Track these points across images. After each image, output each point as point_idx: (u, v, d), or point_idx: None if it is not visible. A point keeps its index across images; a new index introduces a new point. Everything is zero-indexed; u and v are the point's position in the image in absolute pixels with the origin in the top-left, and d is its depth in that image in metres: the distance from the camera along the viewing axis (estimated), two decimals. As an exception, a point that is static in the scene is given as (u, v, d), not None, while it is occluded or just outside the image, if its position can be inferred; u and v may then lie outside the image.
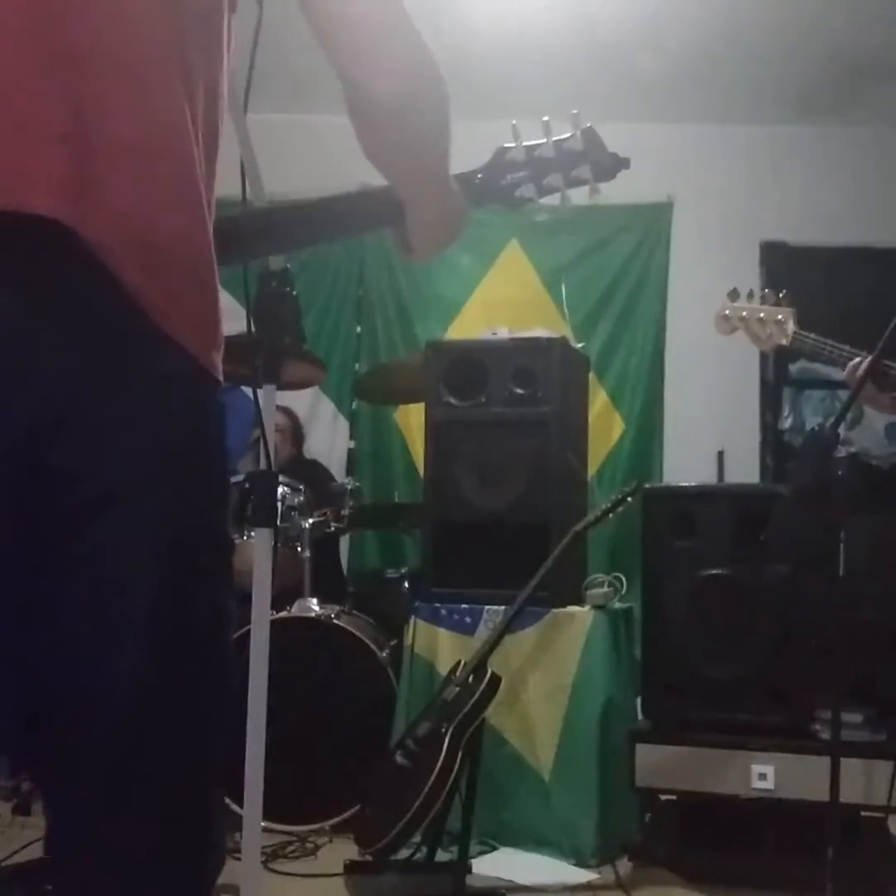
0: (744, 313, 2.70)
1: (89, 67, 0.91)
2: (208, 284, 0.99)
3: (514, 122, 1.36)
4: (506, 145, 1.36)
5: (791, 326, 2.65)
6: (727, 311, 2.72)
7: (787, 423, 5.34)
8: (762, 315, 2.68)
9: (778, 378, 5.35)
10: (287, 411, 4.64)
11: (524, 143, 1.36)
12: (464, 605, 3.40)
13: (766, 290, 2.72)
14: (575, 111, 1.35)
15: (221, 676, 1.00)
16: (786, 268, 5.30)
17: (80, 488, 0.90)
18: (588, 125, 1.36)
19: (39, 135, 0.89)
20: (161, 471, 0.93)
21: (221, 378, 1.01)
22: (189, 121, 0.97)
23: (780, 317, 2.66)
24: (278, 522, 3.58)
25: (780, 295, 2.69)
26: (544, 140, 1.35)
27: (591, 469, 4.13)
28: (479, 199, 1.37)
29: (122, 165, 0.92)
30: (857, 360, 2.52)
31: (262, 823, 1.39)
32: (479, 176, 1.36)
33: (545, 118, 1.35)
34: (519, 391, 3.47)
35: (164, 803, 0.96)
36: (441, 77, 1.12)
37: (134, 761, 0.93)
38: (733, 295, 2.73)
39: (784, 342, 2.66)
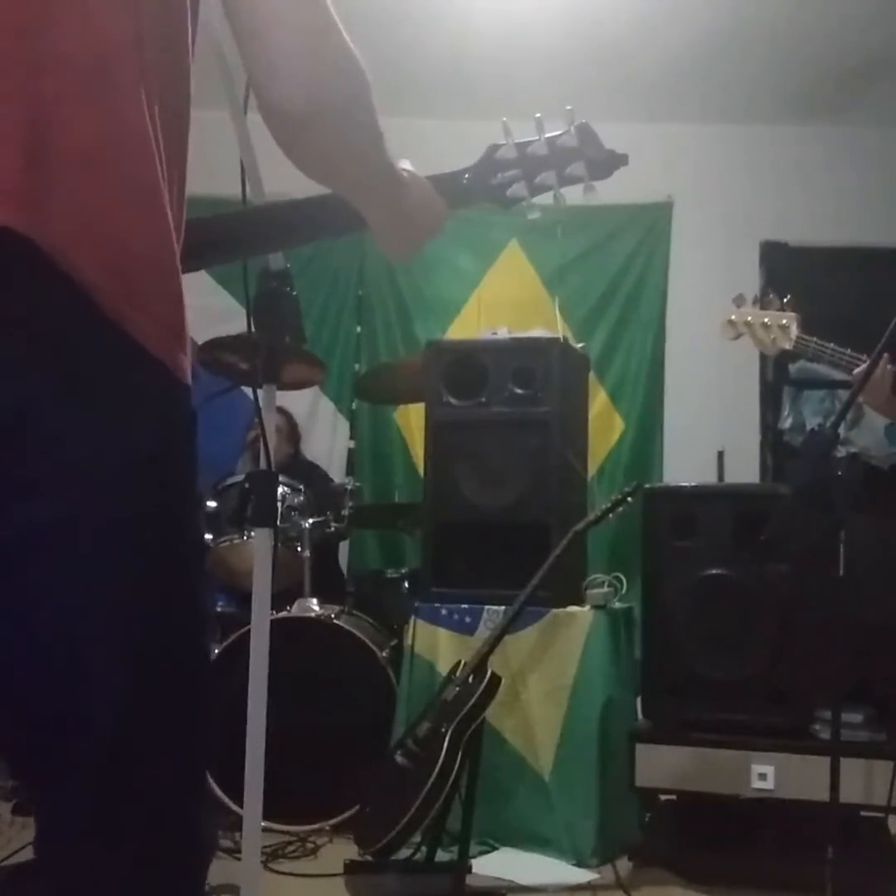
0: (749, 318, 2.71)
1: (46, 70, 0.89)
2: (171, 284, 0.97)
3: (504, 119, 1.32)
4: (496, 143, 1.32)
5: (794, 331, 2.65)
6: (732, 316, 2.72)
7: (787, 423, 5.34)
8: (767, 320, 2.69)
9: (778, 378, 5.35)
10: (282, 411, 4.64)
11: (515, 141, 1.31)
12: (464, 605, 3.40)
13: (771, 295, 2.73)
14: (569, 107, 1.31)
15: (200, 682, 1.00)
16: (786, 268, 5.30)
17: (45, 501, 0.88)
18: (582, 121, 1.31)
19: None
20: (129, 478, 0.92)
21: (189, 381, 0.99)
22: (149, 123, 0.95)
23: (784, 321, 2.67)
24: (278, 522, 3.59)
25: (785, 299, 2.70)
26: (537, 137, 1.31)
27: (591, 469, 4.13)
28: (468, 199, 1.33)
29: (79, 170, 0.90)
30: (863, 367, 2.52)
31: (262, 823, 1.39)
32: (467, 175, 1.32)
33: (537, 115, 1.31)
34: (519, 391, 3.47)
35: (149, 815, 0.95)
36: (359, 86, 1.06)
37: (116, 776, 0.93)
38: (739, 300, 2.73)
39: (788, 346, 2.67)
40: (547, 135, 1.32)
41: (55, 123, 0.89)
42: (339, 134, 1.06)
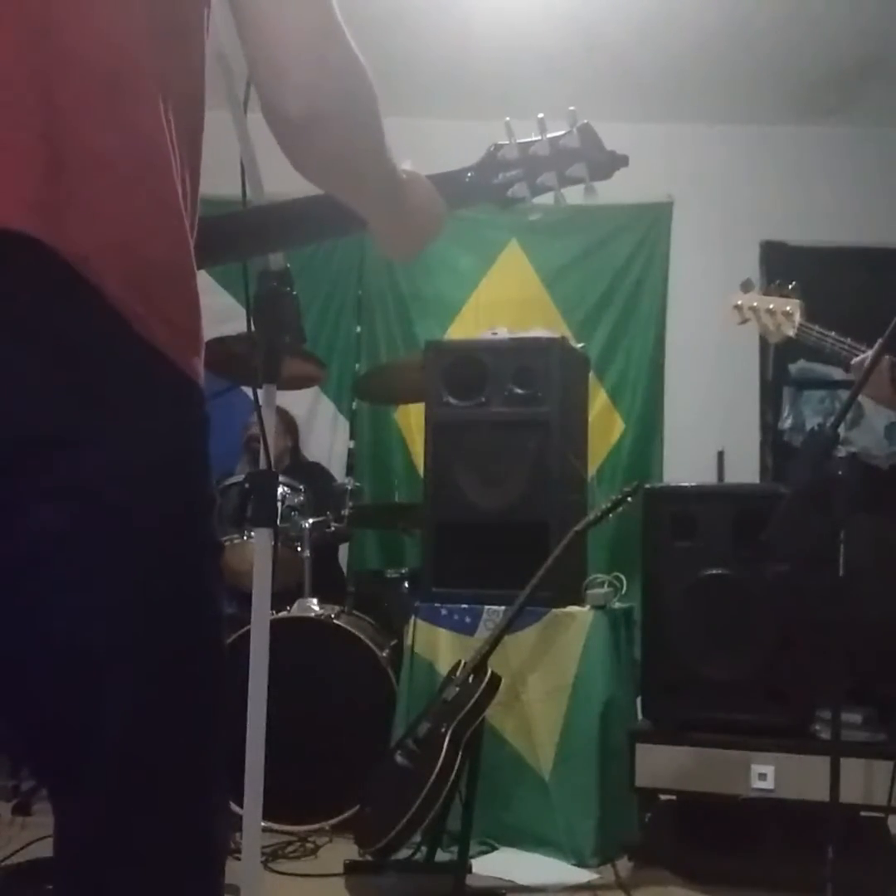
0: (755, 303, 2.77)
1: (62, 80, 0.90)
2: (188, 290, 0.98)
3: (507, 119, 1.32)
4: (498, 143, 1.32)
5: (798, 318, 2.70)
6: (740, 301, 2.77)
7: (787, 423, 5.34)
8: (772, 306, 2.74)
9: (778, 378, 5.35)
10: (281, 411, 4.63)
11: (517, 141, 1.31)
12: (464, 605, 3.40)
13: (778, 281, 2.77)
14: (572, 108, 1.31)
15: (216, 685, 1.00)
16: (786, 268, 5.29)
17: (64, 506, 0.89)
18: (584, 122, 1.32)
19: (11, 147, 0.88)
20: (145, 483, 0.92)
21: (203, 384, 1.00)
22: (165, 128, 0.96)
23: (788, 308, 2.72)
24: (278, 522, 3.58)
25: (790, 286, 2.74)
26: (539, 137, 1.31)
27: (591, 469, 4.12)
28: (469, 199, 1.33)
29: (98, 177, 0.91)
30: (862, 356, 2.55)
31: (262, 823, 1.39)
32: (469, 175, 1.32)
33: (540, 115, 1.31)
34: (519, 391, 3.47)
35: (163, 820, 0.95)
36: (363, 89, 1.05)
37: (132, 780, 0.93)
38: (746, 285, 2.78)
39: (791, 333, 2.71)
40: (549, 135, 1.32)
41: (72, 132, 0.90)
42: (342, 137, 1.06)
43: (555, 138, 1.32)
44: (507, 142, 1.32)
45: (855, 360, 2.57)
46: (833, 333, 2.66)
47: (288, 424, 4.77)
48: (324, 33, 1.02)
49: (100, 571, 0.90)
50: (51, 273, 0.88)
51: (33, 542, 0.89)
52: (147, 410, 0.94)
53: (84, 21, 0.92)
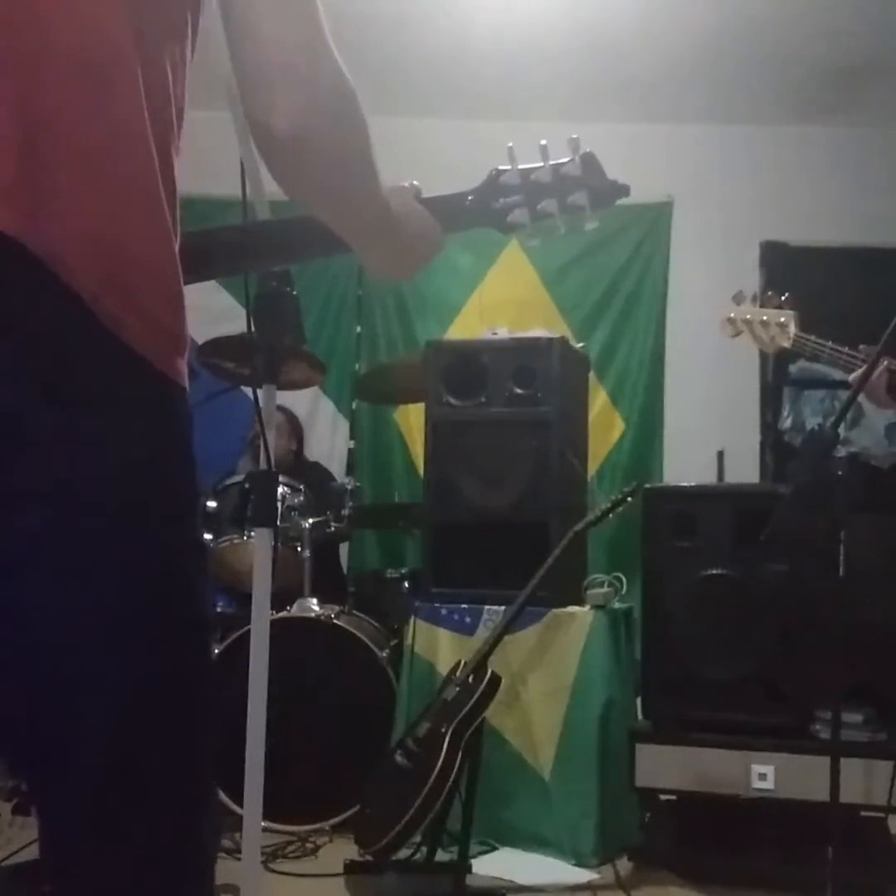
0: (748, 316, 2.73)
1: (43, 71, 0.89)
2: (170, 288, 0.96)
3: (510, 144, 1.32)
4: (500, 168, 1.32)
5: (793, 329, 2.67)
6: (732, 314, 2.74)
7: (787, 423, 5.34)
8: (765, 317, 2.71)
9: (778, 378, 5.35)
10: (283, 409, 4.63)
11: (520, 167, 1.31)
12: (464, 605, 3.40)
13: (770, 292, 2.75)
14: (575, 135, 1.31)
15: (201, 685, 1.00)
16: (786, 268, 5.30)
17: (38, 511, 0.88)
18: (587, 150, 1.31)
19: None
20: (125, 484, 0.91)
21: (186, 384, 0.98)
22: (147, 124, 0.95)
23: (782, 319, 2.68)
24: (278, 522, 3.59)
25: (783, 297, 2.71)
26: (541, 164, 1.31)
27: (591, 469, 4.13)
28: (468, 222, 1.33)
29: (76, 173, 0.90)
30: (861, 370, 2.53)
31: (262, 823, 1.39)
32: (470, 198, 1.32)
33: (543, 142, 1.31)
34: (519, 391, 3.48)
35: (151, 819, 0.95)
36: (351, 108, 1.05)
37: (118, 780, 0.93)
38: (738, 297, 2.75)
39: (786, 344, 2.69)
40: (551, 162, 1.31)
41: (52, 127, 0.89)
42: (328, 156, 1.05)
43: (557, 165, 1.31)
44: (508, 167, 1.32)
45: (853, 375, 2.56)
46: (829, 343, 2.64)
47: (294, 427, 4.78)
48: (313, 51, 1.01)
49: (76, 572, 0.90)
50: (22, 270, 0.86)
51: (9, 543, 0.88)
52: (122, 412, 0.92)
53: (69, 14, 0.91)
